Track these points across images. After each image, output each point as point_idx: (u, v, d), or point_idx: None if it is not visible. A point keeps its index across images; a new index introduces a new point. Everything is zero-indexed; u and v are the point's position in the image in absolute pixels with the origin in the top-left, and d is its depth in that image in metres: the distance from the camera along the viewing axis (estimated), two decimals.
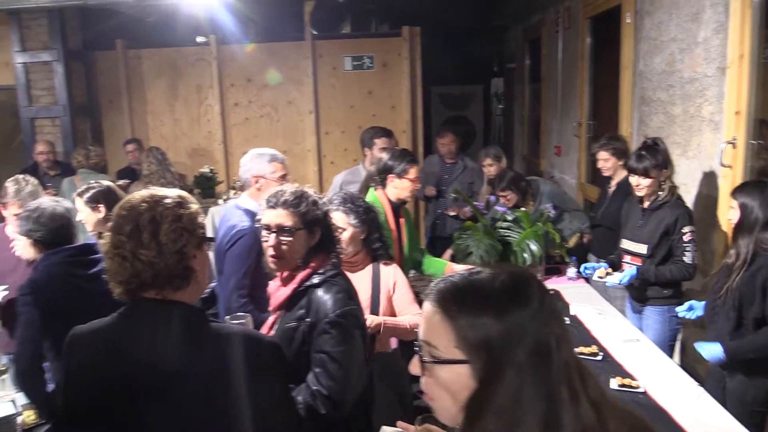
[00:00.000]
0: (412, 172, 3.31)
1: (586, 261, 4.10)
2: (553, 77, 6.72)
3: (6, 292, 3.26)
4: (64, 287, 2.54)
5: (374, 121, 6.52)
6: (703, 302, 2.94)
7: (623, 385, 2.57)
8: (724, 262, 2.80)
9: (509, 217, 4.03)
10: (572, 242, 4.34)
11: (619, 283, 3.41)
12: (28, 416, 2.60)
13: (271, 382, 1.52)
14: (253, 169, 3.08)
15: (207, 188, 6.38)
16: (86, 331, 1.55)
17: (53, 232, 2.66)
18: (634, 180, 3.34)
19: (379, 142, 4.61)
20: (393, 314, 2.77)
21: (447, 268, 3.55)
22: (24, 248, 2.77)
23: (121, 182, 4.86)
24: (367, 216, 2.71)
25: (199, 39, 7.09)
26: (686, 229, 3.19)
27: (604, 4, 5.02)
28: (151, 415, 1.45)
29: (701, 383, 2.68)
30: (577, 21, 5.77)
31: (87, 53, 6.95)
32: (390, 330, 2.64)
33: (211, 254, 5.56)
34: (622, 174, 3.99)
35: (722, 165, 3.23)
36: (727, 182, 3.22)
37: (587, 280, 3.89)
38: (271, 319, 2.14)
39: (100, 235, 3.07)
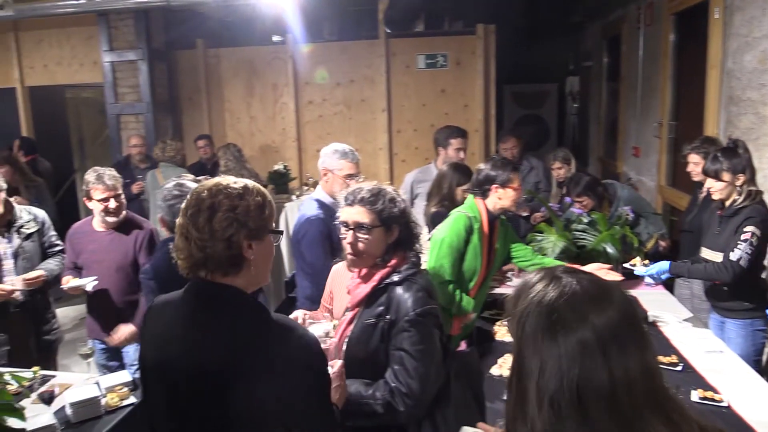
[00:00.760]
0: (516, 181, 3.22)
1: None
2: (632, 75, 6.50)
3: (96, 282, 3.41)
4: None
5: (446, 119, 6.50)
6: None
7: (705, 398, 2.46)
8: None
9: (585, 219, 3.92)
10: (649, 245, 4.19)
11: (647, 275, 3.32)
12: (112, 398, 2.71)
13: (300, 375, 1.50)
14: (326, 162, 3.27)
15: (280, 184, 6.51)
16: (160, 302, 1.68)
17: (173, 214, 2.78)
18: (707, 183, 3.21)
19: (455, 143, 4.58)
20: None
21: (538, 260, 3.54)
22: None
23: (200, 178, 5.01)
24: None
25: (276, 38, 7.24)
26: (748, 228, 3.01)
27: None
28: (181, 390, 1.52)
29: None
30: (660, 17, 5.57)
31: (169, 52, 7.21)
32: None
33: (285, 247, 5.71)
34: None
35: None
36: None
37: (665, 285, 3.76)
38: (349, 315, 2.16)
39: None
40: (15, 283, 3.40)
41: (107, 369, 3.52)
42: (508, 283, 4.10)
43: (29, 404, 2.71)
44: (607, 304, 1.03)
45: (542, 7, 8.19)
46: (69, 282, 3.47)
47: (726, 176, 3.10)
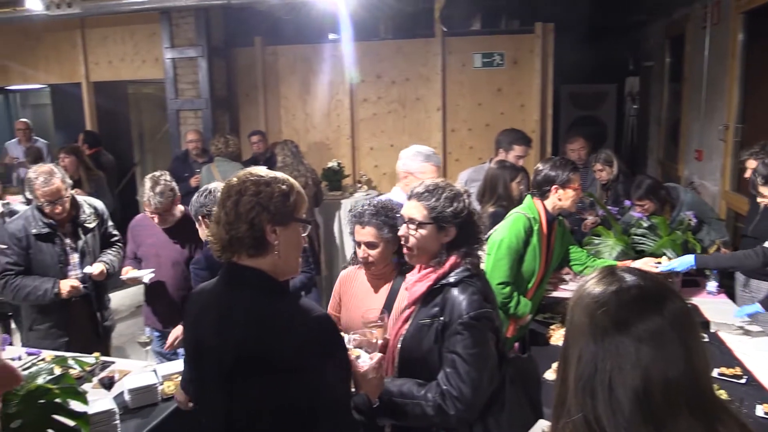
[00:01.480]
0: (576, 181, 3.17)
1: (725, 276, 3.82)
2: (697, 76, 6.29)
3: (152, 275, 3.50)
4: None
5: (502, 119, 6.44)
6: None
7: None
8: None
9: (645, 224, 3.82)
10: (711, 251, 4.05)
11: (671, 270, 3.26)
12: (168, 386, 2.78)
13: (315, 355, 1.56)
14: (407, 164, 3.22)
15: (334, 181, 6.56)
16: (199, 288, 1.81)
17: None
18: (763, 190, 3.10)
19: (518, 150, 4.50)
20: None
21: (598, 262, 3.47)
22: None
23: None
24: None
25: (332, 36, 7.29)
26: None
27: None
28: (212, 368, 1.63)
29: None
30: (727, 16, 5.37)
31: (228, 50, 7.34)
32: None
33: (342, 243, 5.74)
34: None
35: None
36: None
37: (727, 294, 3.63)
38: (406, 312, 2.15)
39: None
40: (92, 270, 3.53)
41: (163, 357, 3.61)
42: (563, 287, 4.03)
43: (90, 388, 2.80)
44: (656, 308, 1.05)
45: (602, 6, 8.00)
46: (128, 273, 3.57)
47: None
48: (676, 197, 4.24)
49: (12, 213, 3.92)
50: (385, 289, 2.49)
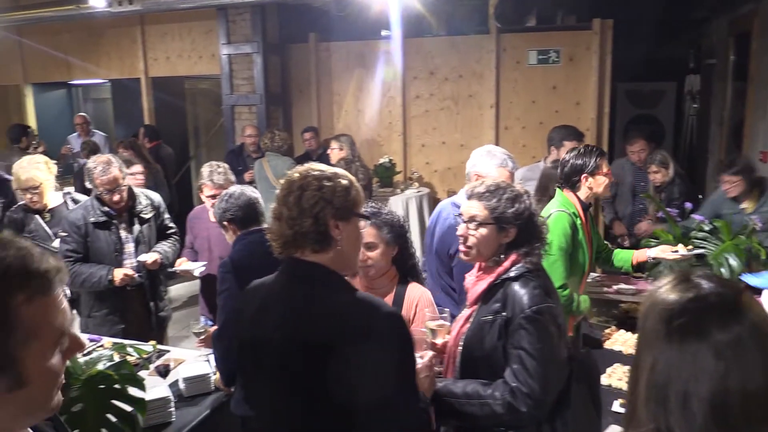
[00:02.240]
0: (605, 166, 3.12)
1: None
2: (763, 75, 6.05)
3: (203, 269, 3.57)
4: (261, 264, 2.71)
5: (557, 117, 6.32)
6: None
7: None
8: None
9: (706, 227, 3.69)
10: None
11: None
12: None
13: (383, 351, 1.54)
14: (478, 166, 3.02)
15: (385, 178, 6.56)
16: (254, 285, 1.83)
17: (243, 210, 2.87)
18: None
19: (569, 145, 4.39)
20: None
21: (633, 258, 3.42)
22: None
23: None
24: (401, 230, 2.47)
25: (385, 33, 7.28)
26: None
27: None
28: (275, 362, 1.62)
29: None
30: None
31: (283, 46, 7.41)
32: None
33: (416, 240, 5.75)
34: None
35: None
36: None
37: None
38: (467, 312, 2.14)
39: None
40: (145, 258, 3.62)
41: None
42: (614, 286, 3.94)
43: (146, 375, 2.86)
44: (735, 316, 1.01)
45: (662, 1, 7.78)
46: (181, 264, 3.65)
47: None
48: (766, 186, 4.14)
49: (75, 201, 4.05)
50: (388, 299, 2.39)
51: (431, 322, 2.16)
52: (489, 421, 1.92)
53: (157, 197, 3.88)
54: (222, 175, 3.61)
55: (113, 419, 2.11)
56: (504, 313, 1.96)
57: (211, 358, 3.00)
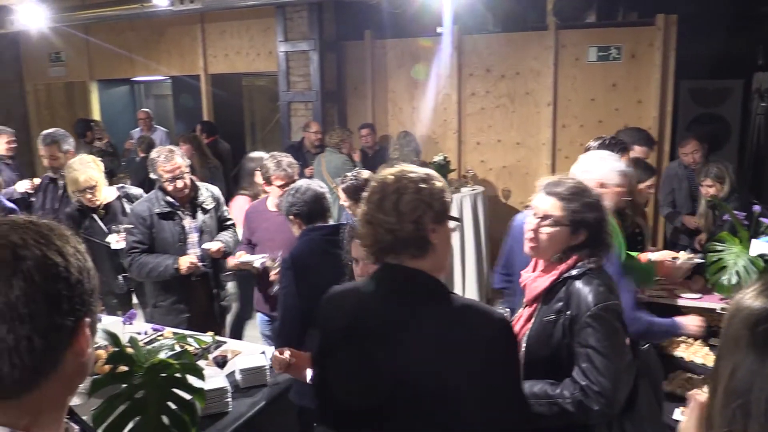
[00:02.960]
0: (625, 160, 3.09)
1: None
2: None
3: (264, 259, 3.62)
4: (321, 262, 2.75)
5: (616, 115, 6.19)
6: None
7: None
8: None
9: None
10: None
11: None
12: None
13: (496, 357, 1.52)
14: (602, 173, 2.75)
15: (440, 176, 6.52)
16: (338, 291, 1.76)
17: (309, 206, 2.89)
18: None
19: (638, 151, 4.19)
20: None
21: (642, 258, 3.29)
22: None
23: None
24: None
25: (440, 29, 7.24)
26: None
27: None
28: (378, 367, 1.55)
29: None
30: None
31: (339, 43, 7.46)
32: None
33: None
34: None
35: None
36: None
37: None
38: (526, 311, 2.11)
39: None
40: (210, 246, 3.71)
41: (272, 340, 3.72)
42: (675, 292, 3.82)
43: (204, 366, 2.92)
44: None
45: None
46: (240, 257, 3.71)
47: None
48: None
49: (127, 195, 4.16)
50: None
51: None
52: (558, 420, 1.89)
53: (216, 190, 3.96)
54: (291, 166, 3.67)
55: (173, 407, 2.16)
56: (568, 312, 1.93)
57: (268, 350, 3.04)
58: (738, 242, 3.50)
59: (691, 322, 2.70)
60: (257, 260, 3.62)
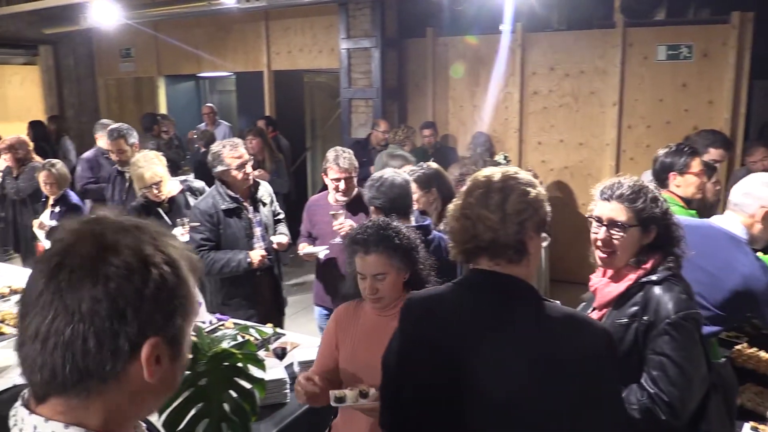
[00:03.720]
0: (695, 165, 3.00)
1: None
2: None
3: (327, 252, 3.65)
4: None
5: (685, 116, 5.99)
6: None
7: None
8: None
9: None
10: None
11: None
12: None
13: (600, 371, 1.46)
14: (762, 197, 2.52)
15: None
16: (421, 296, 1.67)
17: (391, 201, 2.89)
18: None
19: (714, 153, 4.02)
20: None
21: None
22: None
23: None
24: (415, 252, 2.25)
25: (503, 27, 7.15)
26: None
27: None
28: (469, 378, 1.48)
29: None
30: None
31: (400, 40, 7.45)
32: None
33: None
34: None
35: None
36: None
37: None
38: (595, 315, 2.06)
39: (424, 213, 3.29)
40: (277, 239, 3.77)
41: None
42: None
43: (264, 356, 2.97)
44: None
45: None
46: (304, 248, 3.75)
47: None
48: None
49: (190, 189, 4.24)
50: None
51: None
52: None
53: (267, 185, 4.02)
54: (347, 160, 3.67)
55: (234, 395, 2.20)
56: (645, 317, 1.88)
57: None
58: None
59: None
60: (321, 251, 3.66)
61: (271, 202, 3.95)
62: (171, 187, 4.11)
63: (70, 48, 9.94)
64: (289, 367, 2.90)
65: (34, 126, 8.33)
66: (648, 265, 1.94)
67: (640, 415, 1.80)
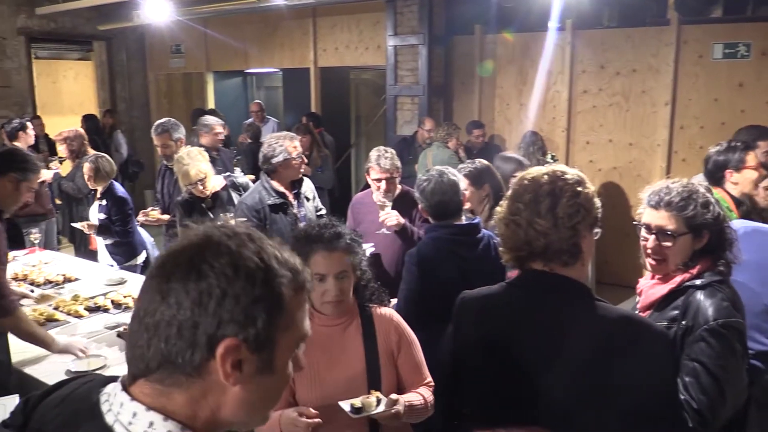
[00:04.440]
0: (750, 159, 2.92)
1: None
2: None
3: (372, 249, 3.65)
4: (445, 262, 2.74)
5: (742, 117, 5.79)
6: None
7: None
8: None
9: None
10: None
11: None
12: None
13: (652, 372, 1.44)
14: None
15: None
16: (475, 296, 1.66)
17: (440, 203, 2.87)
18: None
19: (764, 146, 3.92)
20: (395, 385, 2.09)
21: None
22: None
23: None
24: (361, 251, 2.15)
25: (553, 24, 7.04)
26: None
27: None
28: (526, 378, 1.48)
29: None
30: None
31: (447, 37, 7.40)
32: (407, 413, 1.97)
33: None
34: None
35: None
36: None
37: None
38: None
39: (472, 212, 3.26)
40: None
41: None
42: None
43: None
44: None
45: None
46: None
47: None
48: None
49: (234, 184, 4.29)
50: (354, 332, 2.07)
51: None
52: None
53: (309, 181, 4.04)
54: (389, 160, 3.66)
55: None
56: (684, 322, 1.82)
57: None
58: None
59: None
60: (366, 249, 3.66)
61: (314, 197, 3.97)
62: (215, 182, 4.17)
63: (122, 44, 10.20)
64: None
65: (88, 120, 8.58)
66: (696, 269, 1.88)
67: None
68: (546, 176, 1.50)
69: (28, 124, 6.20)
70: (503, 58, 7.14)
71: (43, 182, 5.46)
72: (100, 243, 4.83)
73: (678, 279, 1.90)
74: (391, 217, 3.50)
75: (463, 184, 3.07)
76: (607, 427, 1.41)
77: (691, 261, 1.90)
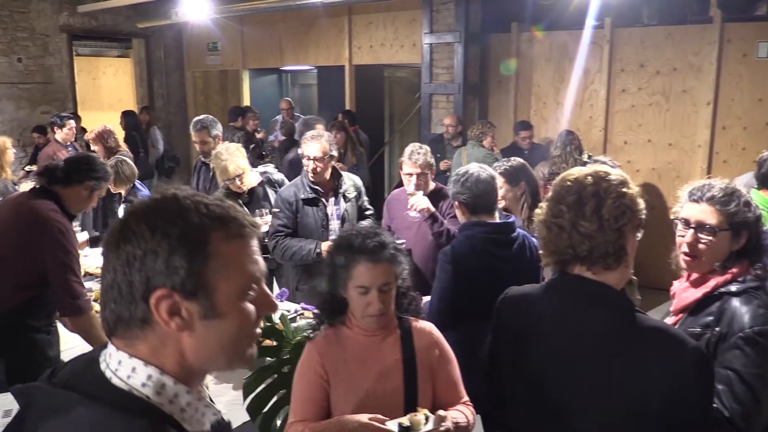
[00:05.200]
0: None
1: None
2: None
3: (404, 243, 3.64)
4: (479, 261, 2.72)
5: None
6: None
7: None
8: None
9: None
10: None
11: None
12: None
13: (687, 390, 1.39)
14: None
15: None
16: (517, 294, 1.66)
17: (476, 197, 2.84)
18: None
19: None
20: (431, 402, 2.00)
21: None
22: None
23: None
24: (405, 260, 2.04)
25: (591, 22, 6.94)
26: None
27: None
28: (560, 386, 1.46)
29: None
30: None
31: (484, 35, 7.34)
32: None
33: None
34: None
35: None
36: None
37: None
38: (670, 320, 1.97)
39: (507, 210, 3.23)
40: None
41: None
42: None
43: None
44: None
45: None
46: None
47: None
48: None
49: (270, 180, 4.32)
50: (392, 344, 2.01)
51: None
52: None
53: (359, 180, 4.04)
54: (422, 156, 3.67)
55: None
56: (717, 329, 1.77)
57: None
58: None
59: None
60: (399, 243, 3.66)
61: (358, 197, 3.97)
62: (251, 178, 4.21)
63: (160, 41, 10.36)
64: None
65: (127, 116, 8.72)
66: (732, 273, 1.83)
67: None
68: (590, 177, 1.46)
69: (71, 122, 6.39)
70: (540, 56, 7.06)
71: None
72: None
73: (712, 283, 1.84)
74: (421, 201, 3.49)
75: (499, 182, 3.04)
76: None
77: (728, 263, 1.84)
